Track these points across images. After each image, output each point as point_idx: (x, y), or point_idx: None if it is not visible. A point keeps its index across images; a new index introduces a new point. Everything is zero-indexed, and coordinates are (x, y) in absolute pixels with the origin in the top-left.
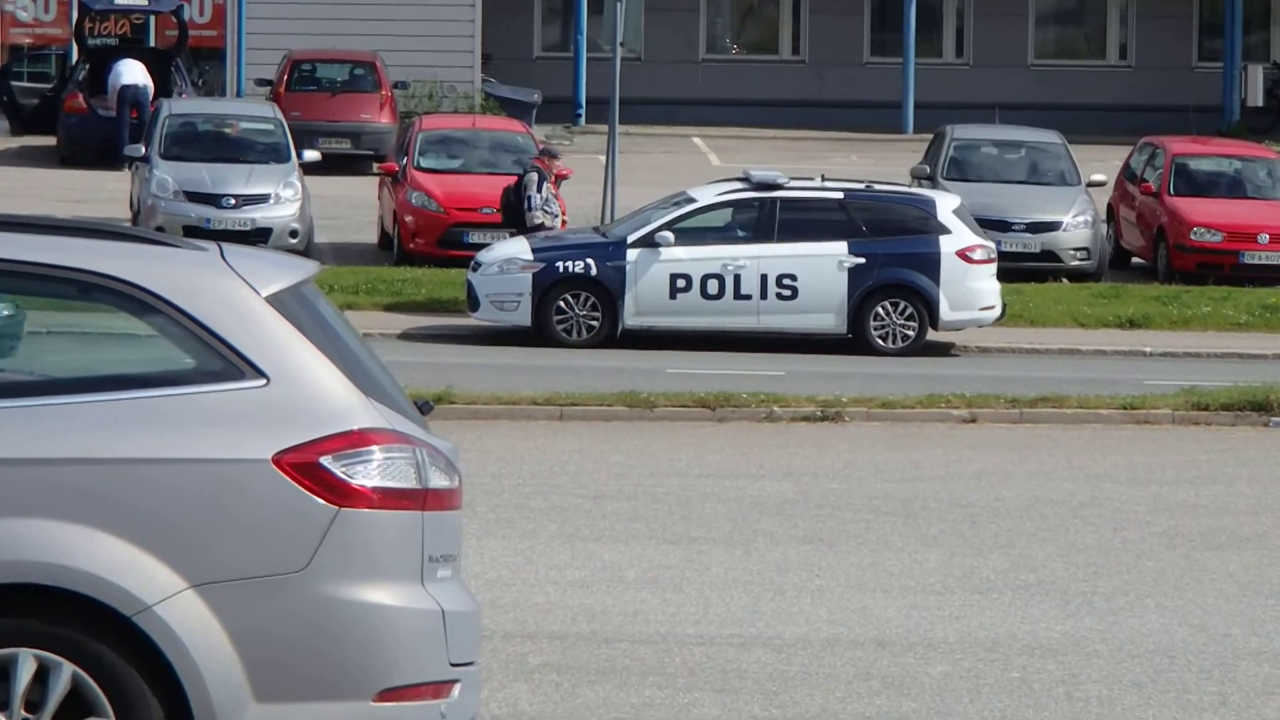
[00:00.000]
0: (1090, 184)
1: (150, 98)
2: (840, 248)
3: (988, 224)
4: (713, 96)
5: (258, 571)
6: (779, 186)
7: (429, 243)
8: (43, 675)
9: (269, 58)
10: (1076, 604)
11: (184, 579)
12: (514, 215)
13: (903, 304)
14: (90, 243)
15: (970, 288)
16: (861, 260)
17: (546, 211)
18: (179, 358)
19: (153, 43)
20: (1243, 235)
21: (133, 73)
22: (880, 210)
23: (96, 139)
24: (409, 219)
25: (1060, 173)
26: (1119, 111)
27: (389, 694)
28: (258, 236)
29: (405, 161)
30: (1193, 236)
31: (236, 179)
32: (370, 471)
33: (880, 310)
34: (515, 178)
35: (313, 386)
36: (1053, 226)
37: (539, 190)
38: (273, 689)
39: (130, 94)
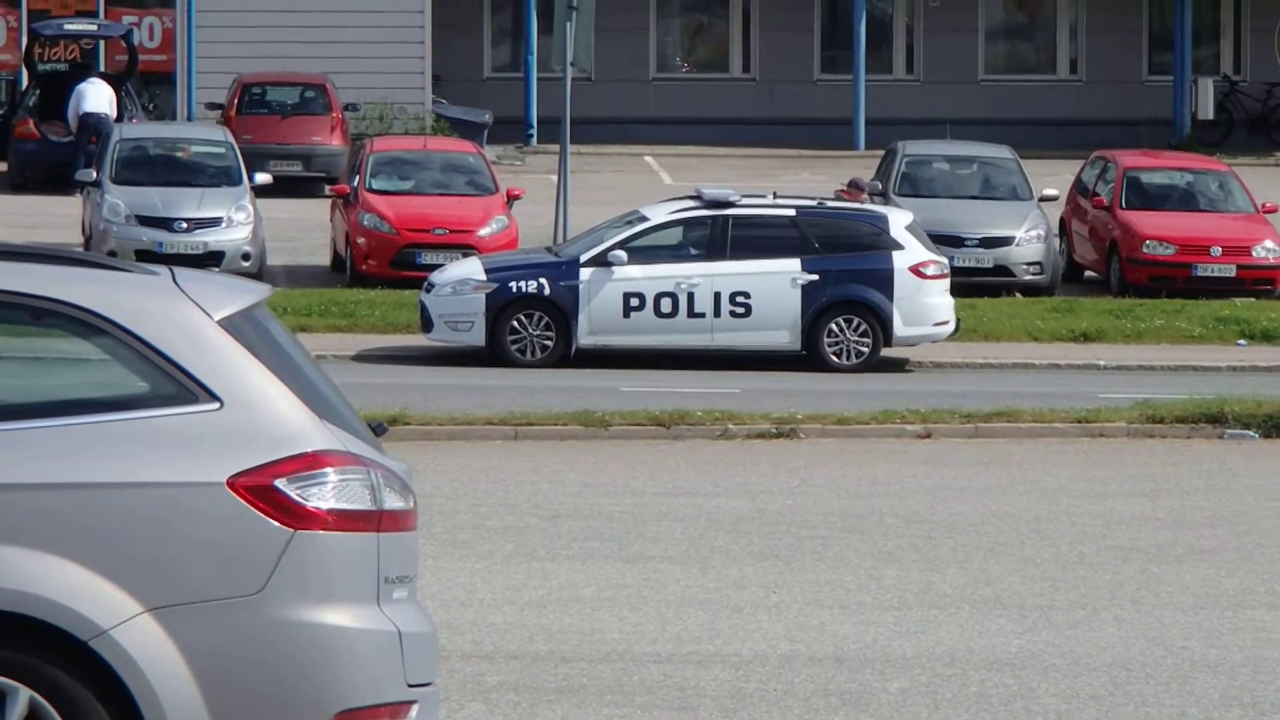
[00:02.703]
0: (1042, 198)
1: (111, 124)
2: (793, 265)
3: (940, 239)
4: (664, 115)
5: (214, 594)
6: (731, 204)
7: (382, 264)
8: None
9: (219, 81)
10: (1033, 618)
11: (140, 603)
12: None
13: (856, 320)
14: (42, 268)
15: (924, 303)
16: (815, 277)
17: None
18: (132, 382)
19: (103, 68)
20: (1195, 248)
21: (94, 99)
22: (833, 227)
23: (48, 164)
24: (361, 241)
25: (1012, 187)
26: (1070, 126)
27: (346, 715)
28: (210, 260)
29: (357, 183)
30: (1145, 250)
31: (188, 203)
32: (325, 494)
33: (834, 327)
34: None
35: (266, 409)
36: (1005, 241)
37: None
38: (229, 711)
39: (91, 121)
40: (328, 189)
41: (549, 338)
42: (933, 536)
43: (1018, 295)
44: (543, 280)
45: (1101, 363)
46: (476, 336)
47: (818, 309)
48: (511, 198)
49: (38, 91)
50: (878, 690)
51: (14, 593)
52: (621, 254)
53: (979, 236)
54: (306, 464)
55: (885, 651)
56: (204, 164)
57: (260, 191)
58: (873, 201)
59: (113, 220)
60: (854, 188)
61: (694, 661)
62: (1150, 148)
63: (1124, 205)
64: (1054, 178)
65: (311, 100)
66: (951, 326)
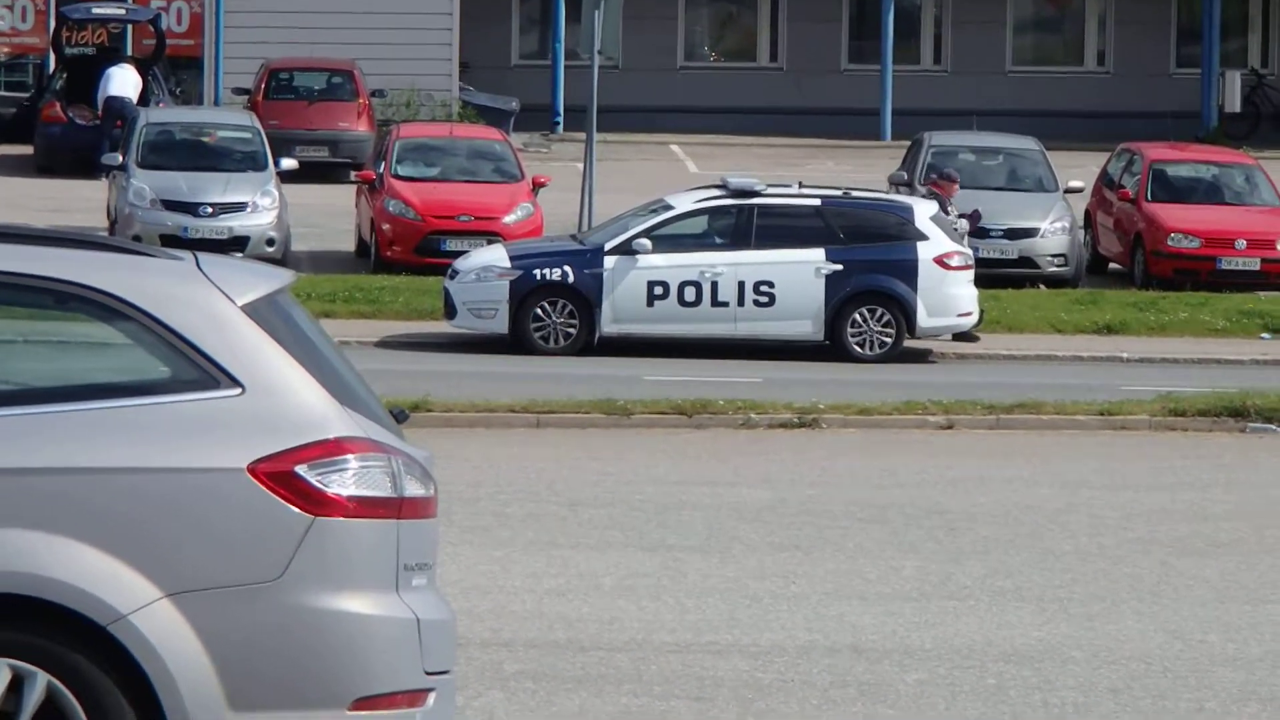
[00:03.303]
0: (1068, 190)
1: (134, 109)
2: (818, 254)
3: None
4: (691, 104)
5: (233, 580)
6: (756, 193)
7: (406, 250)
8: (17, 685)
9: (246, 66)
10: (1053, 610)
11: (159, 588)
12: None
13: (880, 310)
14: (66, 252)
15: (948, 294)
16: (839, 267)
17: (955, 231)
18: (155, 367)
19: (130, 52)
20: (1220, 241)
21: (120, 83)
22: (858, 217)
23: (74, 148)
24: (386, 227)
25: (1038, 179)
26: (1097, 118)
27: (364, 703)
28: (235, 245)
29: (383, 169)
30: (1170, 242)
31: (214, 188)
32: (345, 480)
33: (857, 317)
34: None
35: (288, 395)
36: (1030, 233)
37: (945, 212)
38: (248, 698)
39: (115, 105)
40: (353, 175)
41: (572, 326)
42: (953, 528)
43: (1041, 287)
44: (567, 268)
45: (1124, 355)
46: (500, 324)
47: (841, 299)
48: (537, 185)
49: (65, 75)
50: (895, 681)
51: (33, 577)
52: (646, 242)
53: (1004, 228)
54: (328, 450)
55: (904, 643)
56: (230, 149)
57: (286, 177)
58: (898, 191)
59: (138, 204)
60: (944, 179)
61: (712, 651)
62: (1177, 140)
63: (1149, 198)
64: (1080, 170)
65: (338, 86)
66: (975, 318)
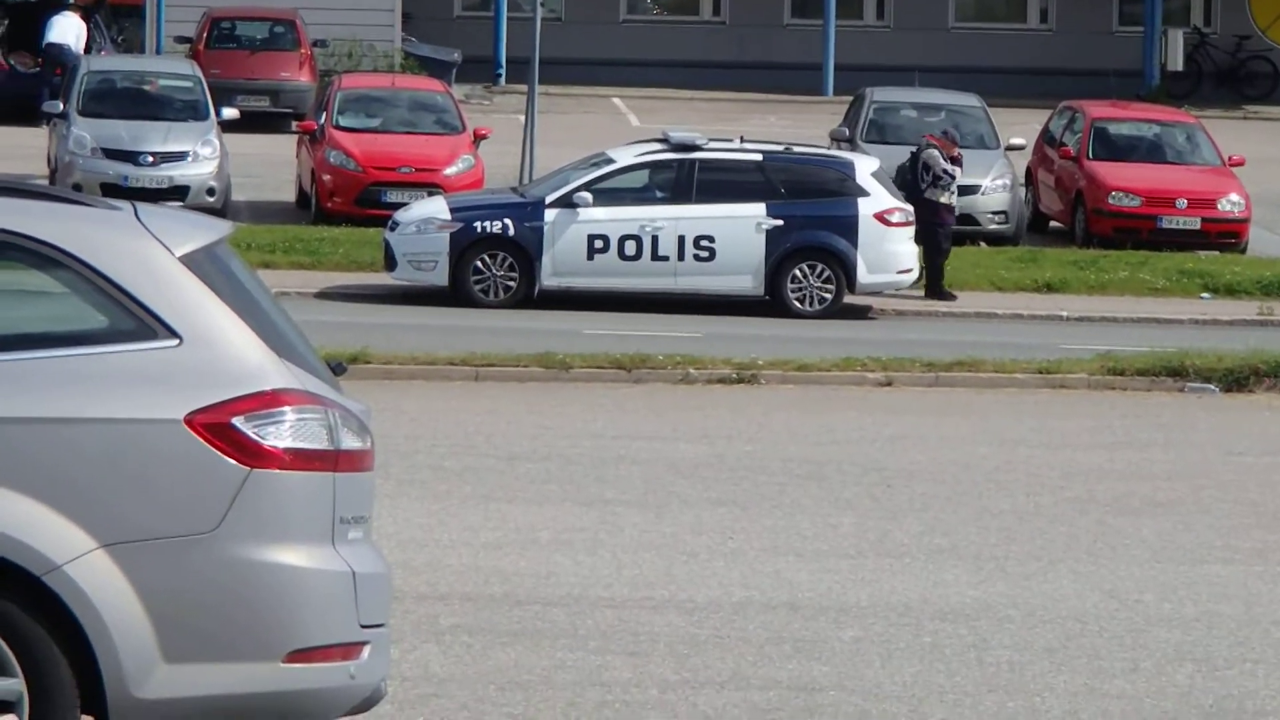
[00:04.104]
0: (1009, 148)
1: (76, 55)
2: (758, 209)
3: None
4: (633, 57)
5: (169, 532)
6: (698, 148)
7: (347, 202)
8: None
9: (188, 15)
10: (989, 569)
11: (94, 539)
12: (910, 190)
13: (820, 266)
14: (3, 201)
15: (888, 250)
16: (779, 222)
17: (945, 188)
18: (92, 317)
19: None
20: (1161, 200)
21: (60, 30)
22: (799, 172)
23: (14, 95)
24: (327, 178)
25: (979, 136)
26: (1039, 75)
27: (298, 655)
28: (175, 194)
29: (324, 120)
30: (1111, 201)
31: (154, 136)
32: (282, 432)
33: (798, 273)
34: (910, 155)
35: (226, 347)
36: (971, 190)
37: (946, 164)
38: (182, 650)
39: (54, 52)
40: (295, 125)
41: (512, 278)
42: (890, 485)
43: (982, 244)
44: (507, 221)
45: (1064, 314)
46: (440, 276)
47: (782, 254)
48: (479, 137)
49: (6, 22)
50: (831, 638)
51: None
52: (587, 195)
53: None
54: (264, 402)
55: (840, 600)
56: (171, 98)
57: (227, 126)
58: (839, 147)
59: (78, 153)
60: (947, 139)
61: (648, 606)
62: (1119, 99)
63: (1090, 156)
64: (1021, 127)
65: (280, 36)
66: (915, 274)
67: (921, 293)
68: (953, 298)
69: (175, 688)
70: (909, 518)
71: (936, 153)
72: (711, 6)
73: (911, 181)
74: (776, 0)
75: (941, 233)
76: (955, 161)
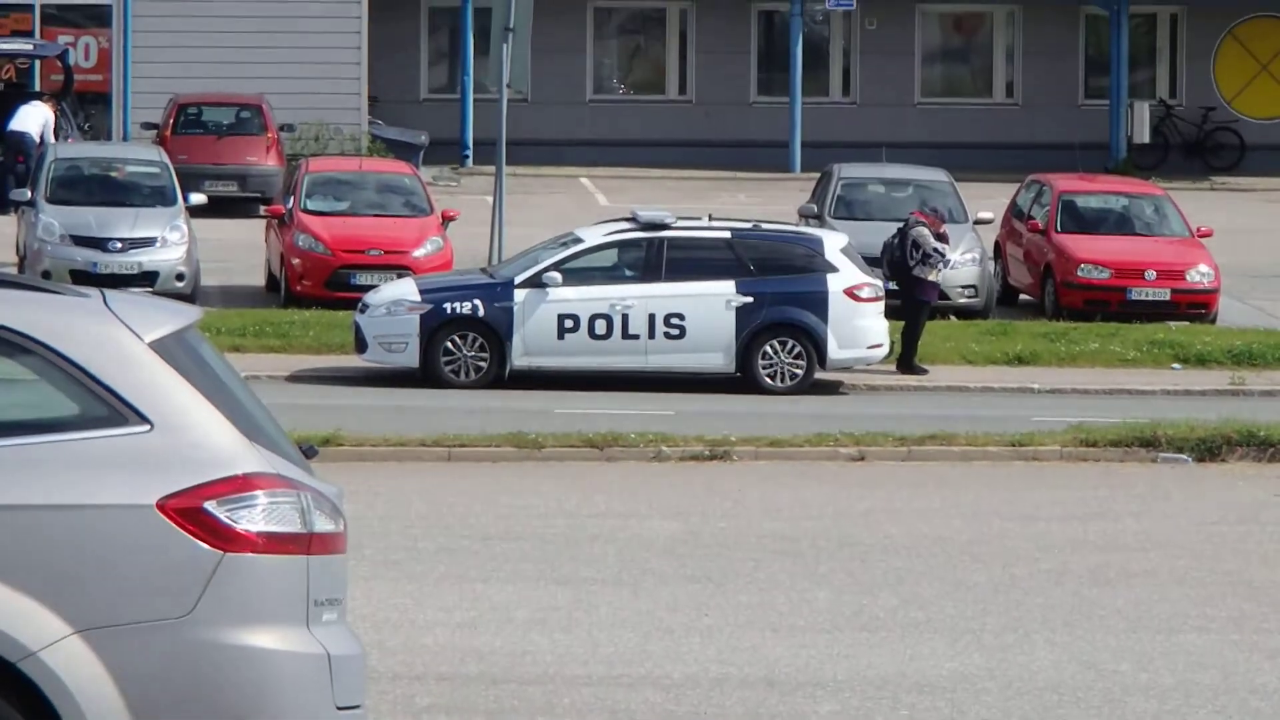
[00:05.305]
0: (978, 221)
1: (36, 144)
2: (728, 287)
3: (875, 262)
4: (600, 137)
5: (143, 617)
6: (666, 226)
7: (316, 285)
8: None
9: (155, 101)
10: (965, 641)
11: (69, 624)
12: (897, 268)
13: (791, 342)
14: None
15: (858, 326)
16: (749, 299)
17: (934, 266)
18: (62, 404)
19: (38, 87)
20: (1130, 271)
21: (21, 119)
22: (768, 249)
23: None
24: (296, 261)
25: (947, 211)
26: (1006, 149)
27: None
28: (145, 280)
29: (292, 204)
30: (1080, 273)
31: (123, 222)
32: (255, 516)
33: (769, 349)
34: (897, 231)
35: (197, 432)
36: None
37: (936, 243)
38: None
39: (14, 139)
40: (263, 209)
41: (483, 359)
42: (865, 559)
43: (952, 318)
44: (477, 301)
45: (1036, 386)
46: (411, 358)
47: (752, 331)
48: (447, 219)
49: None
50: (809, 713)
51: None
52: (556, 275)
53: (914, 260)
54: (236, 486)
55: (817, 674)
56: (139, 184)
57: (195, 212)
58: (806, 224)
59: (47, 240)
60: (935, 214)
61: (625, 684)
62: (1086, 171)
63: (1059, 229)
64: (989, 201)
65: (247, 120)
66: (886, 349)
67: (892, 367)
68: (924, 371)
69: None
70: (884, 591)
71: (926, 230)
72: (678, 85)
73: (900, 259)
74: (743, 78)
75: (925, 310)
76: (941, 238)
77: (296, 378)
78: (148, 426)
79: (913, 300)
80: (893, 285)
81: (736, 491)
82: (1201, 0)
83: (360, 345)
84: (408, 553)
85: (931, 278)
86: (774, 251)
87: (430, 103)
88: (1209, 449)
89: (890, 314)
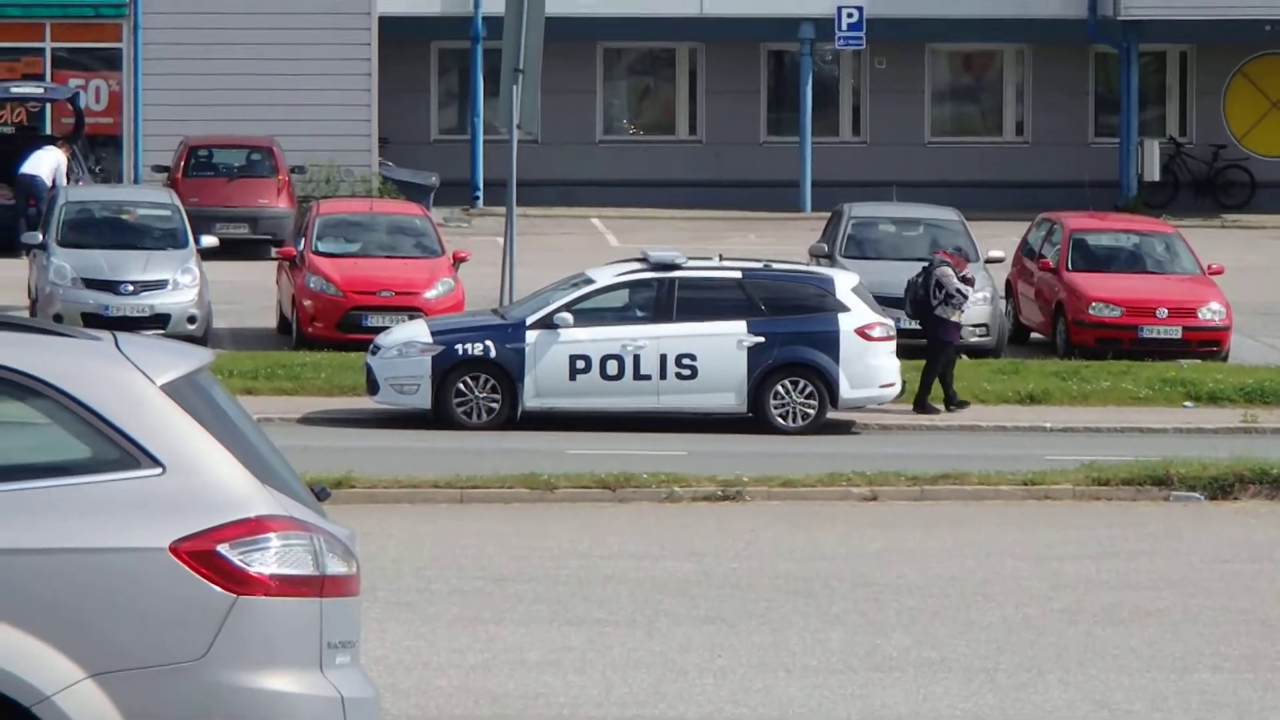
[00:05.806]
0: (989, 260)
1: (48, 187)
2: (739, 327)
3: (886, 301)
4: (610, 177)
5: (156, 660)
6: (677, 266)
7: (328, 326)
8: None
9: (166, 144)
10: (979, 681)
11: (83, 669)
12: (920, 307)
13: (803, 382)
14: None
15: (870, 365)
16: (761, 339)
17: (957, 306)
18: (75, 447)
19: (49, 131)
20: (1141, 310)
21: (32, 163)
22: (779, 289)
23: None
24: (307, 303)
25: (958, 250)
26: (1016, 188)
27: None
28: (156, 323)
29: (303, 246)
30: (1091, 311)
31: (134, 265)
32: (268, 559)
33: (780, 389)
34: (922, 270)
35: (209, 474)
36: None
37: (960, 284)
38: None
39: (25, 183)
40: (274, 251)
41: (495, 400)
42: (878, 599)
43: (964, 357)
44: (489, 343)
45: (1048, 425)
46: (422, 399)
47: (764, 371)
48: (458, 260)
49: None
50: None
51: None
52: (568, 316)
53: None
54: (249, 529)
55: (830, 715)
56: (150, 226)
57: (206, 254)
58: (817, 263)
59: (59, 283)
60: (959, 255)
61: None
62: (1096, 210)
63: (1070, 267)
64: (1000, 240)
65: (258, 163)
66: (897, 389)
67: (908, 406)
68: (936, 411)
69: None
70: (898, 631)
71: (950, 270)
72: (688, 125)
73: (923, 298)
74: (753, 118)
75: (946, 350)
76: (966, 280)
77: (308, 420)
78: (160, 469)
79: (935, 340)
80: (915, 324)
81: (749, 532)
82: (1211, 38)
83: (372, 387)
84: (421, 594)
85: (954, 318)
86: (785, 291)
87: (440, 144)
88: (1221, 487)
89: (917, 354)
